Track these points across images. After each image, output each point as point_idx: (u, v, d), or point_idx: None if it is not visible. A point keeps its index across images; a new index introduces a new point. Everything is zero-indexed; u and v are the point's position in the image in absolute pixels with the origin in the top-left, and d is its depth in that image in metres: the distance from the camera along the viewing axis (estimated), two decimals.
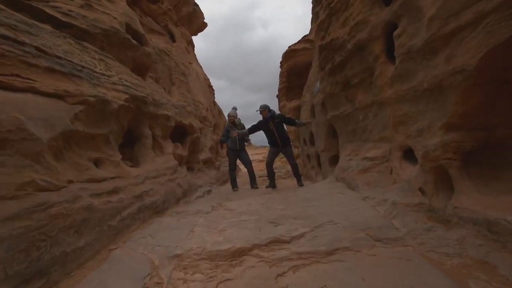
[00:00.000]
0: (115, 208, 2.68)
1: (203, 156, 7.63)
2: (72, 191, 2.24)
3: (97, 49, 3.71)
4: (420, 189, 2.51)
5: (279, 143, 5.88)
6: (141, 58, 5.10)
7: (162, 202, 3.77)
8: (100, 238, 2.41)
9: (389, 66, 2.98)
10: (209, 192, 6.30)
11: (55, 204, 2.01)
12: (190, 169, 7.04)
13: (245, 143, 6.57)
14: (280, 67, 10.18)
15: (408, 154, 2.99)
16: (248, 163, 6.28)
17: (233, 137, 6.25)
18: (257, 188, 6.22)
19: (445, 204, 2.21)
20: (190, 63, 8.37)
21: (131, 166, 3.90)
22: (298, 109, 8.48)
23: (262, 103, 6.25)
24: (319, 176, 6.51)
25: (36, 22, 2.90)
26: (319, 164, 6.64)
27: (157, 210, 3.58)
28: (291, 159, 6.10)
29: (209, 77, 11.79)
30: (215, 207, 4.20)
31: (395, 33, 2.68)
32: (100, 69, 3.40)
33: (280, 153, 6.48)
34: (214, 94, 12.01)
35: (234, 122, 6.43)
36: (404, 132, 2.86)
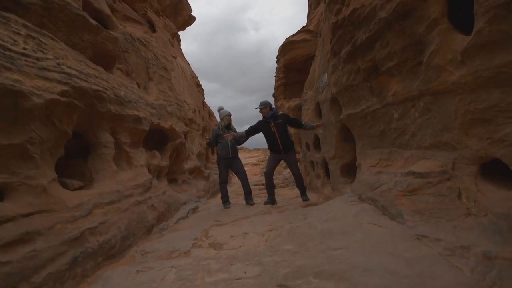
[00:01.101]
0: (17, 273, 1.58)
1: (189, 165, 6.53)
2: None
3: (27, 23, 2.60)
4: None
5: (280, 149, 4.83)
6: (104, 44, 4.00)
7: (122, 238, 2.66)
8: None
9: (456, 36, 1.95)
10: (195, 210, 5.19)
11: None
12: (173, 181, 5.94)
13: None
14: (276, 62, 9.14)
15: (490, 170, 1.96)
16: (242, 174, 5.20)
17: (225, 142, 5.17)
18: (253, 204, 5.14)
19: None
20: (174, 57, 7.28)
21: (79, 188, 2.79)
22: (298, 108, 7.45)
23: (262, 100, 5.20)
24: (327, 188, 5.46)
25: None
26: (327, 173, 5.60)
27: (112, 252, 2.48)
28: (294, 168, 5.05)
29: (201, 79, 10.71)
30: (198, 239, 3.11)
31: None
32: (24, 48, 2.29)
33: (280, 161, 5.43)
34: (203, 94, 10.93)
35: (230, 123, 5.36)
36: (486, 135, 1.82)
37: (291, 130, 5.74)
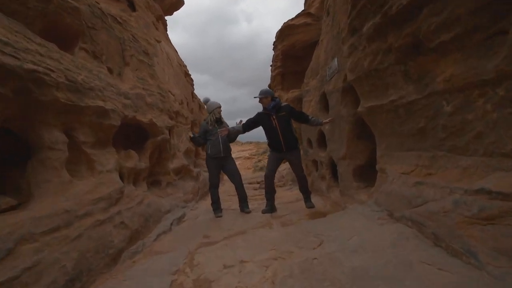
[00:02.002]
0: None
1: (175, 164, 5.71)
2: None
3: None
4: None
5: (282, 146, 4.07)
6: (60, 16, 3.13)
7: (68, 283, 1.86)
8: None
9: None
10: (180, 219, 4.40)
11: None
12: (155, 184, 5.12)
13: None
14: (273, 49, 8.27)
15: None
16: (236, 176, 4.43)
17: (215, 138, 4.38)
18: (249, 212, 4.38)
19: None
20: (158, 41, 6.38)
21: (9, 209, 1.97)
22: (298, 100, 6.68)
23: (263, 88, 4.42)
24: (334, 192, 4.73)
25: None
26: (334, 175, 4.87)
27: None
28: (298, 169, 4.30)
29: (192, 71, 9.80)
30: (180, 272, 2.34)
31: None
32: None
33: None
34: (193, 84, 10.04)
35: (220, 117, 4.56)
36: None
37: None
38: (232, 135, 4.28)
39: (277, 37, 7.68)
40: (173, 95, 6.12)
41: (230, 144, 4.60)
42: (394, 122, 2.74)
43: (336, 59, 4.12)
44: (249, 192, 7.42)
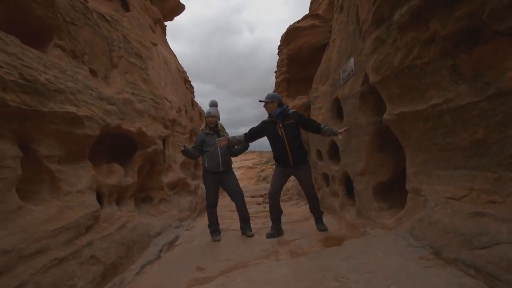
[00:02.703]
0: None
1: (170, 178, 5.15)
2: None
3: None
4: None
5: (290, 160, 3.51)
6: (27, 7, 2.64)
7: None
8: None
9: None
10: (172, 243, 3.82)
11: None
12: (147, 200, 4.56)
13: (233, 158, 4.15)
14: (278, 53, 7.77)
15: None
16: (237, 195, 3.86)
17: (213, 150, 3.84)
18: (252, 236, 3.79)
19: None
20: (154, 44, 5.91)
21: None
22: (306, 108, 6.14)
23: (270, 92, 3.90)
24: (349, 211, 4.13)
25: None
26: (349, 192, 4.28)
27: None
28: (308, 186, 3.73)
29: (195, 81, 9.34)
30: None
31: None
32: None
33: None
34: (193, 92, 9.56)
35: (216, 125, 4.03)
36: None
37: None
38: (232, 147, 3.73)
39: (283, 41, 7.18)
40: (169, 102, 5.60)
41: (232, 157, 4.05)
42: (436, 132, 2.17)
43: (352, 60, 3.58)
44: (252, 207, 6.83)
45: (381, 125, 3.28)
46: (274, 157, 3.83)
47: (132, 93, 4.02)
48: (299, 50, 6.67)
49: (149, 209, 4.43)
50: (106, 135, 3.47)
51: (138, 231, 3.31)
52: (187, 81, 8.64)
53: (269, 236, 3.65)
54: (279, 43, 7.24)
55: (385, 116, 2.71)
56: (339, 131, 3.66)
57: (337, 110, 4.41)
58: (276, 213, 3.75)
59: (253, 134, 3.72)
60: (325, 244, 3.28)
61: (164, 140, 5.13)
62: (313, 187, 3.82)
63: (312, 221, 4.17)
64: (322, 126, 3.69)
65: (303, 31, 6.48)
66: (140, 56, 4.85)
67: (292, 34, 6.67)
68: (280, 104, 3.70)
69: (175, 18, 10.81)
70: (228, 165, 3.88)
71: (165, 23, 9.84)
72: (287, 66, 7.08)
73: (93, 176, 2.79)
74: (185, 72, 8.82)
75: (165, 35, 8.56)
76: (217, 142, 3.51)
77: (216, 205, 3.93)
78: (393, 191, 3.45)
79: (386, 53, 2.47)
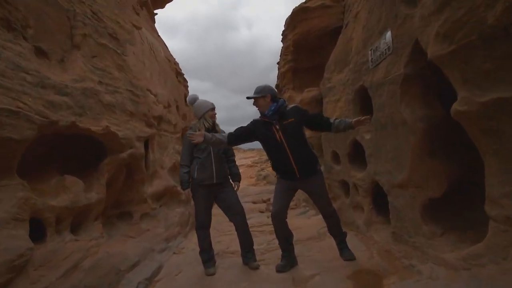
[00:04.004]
0: None
1: (155, 186, 4.26)
2: None
3: None
4: None
5: (295, 172, 2.61)
6: None
7: None
8: None
9: None
10: (152, 278, 2.91)
11: None
12: (124, 217, 3.68)
13: (231, 169, 3.24)
14: (282, 40, 6.81)
15: None
16: (237, 214, 2.97)
17: (205, 156, 2.94)
18: (257, 268, 2.89)
19: None
20: (137, 27, 4.98)
21: None
22: (316, 102, 5.23)
23: (259, 85, 2.98)
24: (379, 232, 3.25)
25: None
26: (377, 206, 3.39)
27: None
28: (323, 202, 2.84)
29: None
30: None
31: None
32: None
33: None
34: (187, 86, 8.65)
35: (215, 124, 3.12)
36: None
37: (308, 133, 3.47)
38: (217, 144, 2.81)
39: (287, 24, 6.22)
40: (155, 95, 4.68)
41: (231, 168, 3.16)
42: None
43: (388, 33, 2.67)
44: (254, 216, 5.93)
45: (432, 121, 2.40)
46: (273, 167, 2.92)
47: (100, 82, 3.11)
48: (307, 35, 5.73)
49: (126, 229, 3.54)
50: (59, 138, 2.57)
51: (101, 269, 2.41)
52: (179, 74, 7.72)
53: (280, 269, 2.76)
54: (285, 21, 6.25)
55: (457, 107, 1.80)
56: (355, 120, 2.68)
57: (362, 103, 3.51)
58: (285, 239, 2.85)
59: (240, 136, 2.81)
60: (358, 285, 2.39)
61: (149, 141, 4.23)
62: (330, 203, 2.93)
63: (329, 239, 3.32)
64: (331, 120, 2.77)
65: (312, 12, 5.54)
66: (115, 38, 3.93)
67: (298, 16, 5.72)
68: (275, 99, 2.80)
69: (167, 6, 9.87)
70: (223, 176, 2.98)
71: (157, 11, 8.92)
72: (292, 54, 6.14)
73: (24, 199, 1.89)
74: (177, 64, 7.89)
75: (154, 22, 7.62)
76: (189, 136, 2.59)
77: (209, 227, 3.03)
78: (449, 210, 2.56)
79: (469, 8, 1.56)
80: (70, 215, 2.39)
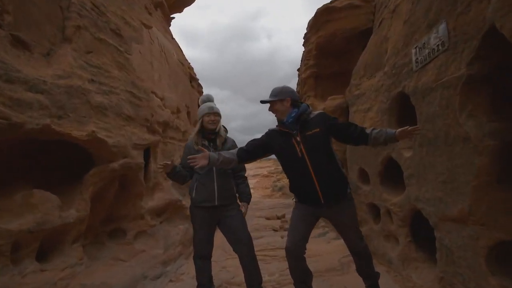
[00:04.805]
0: None
1: (156, 201, 3.80)
2: None
3: None
4: None
5: (318, 196, 2.03)
6: None
7: None
8: None
9: None
10: None
11: None
12: (118, 234, 3.22)
13: (238, 187, 2.70)
14: (303, 43, 6.28)
15: None
16: (243, 244, 2.40)
17: (205, 173, 2.44)
18: None
19: None
20: (147, 26, 4.63)
21: None
22: (340, 111, 4.65)
23: (276, 86, 2.44)
24: (419, 271, 2.62)
25: None
26: (416, 239, 2.76)
27: None
28: (352, 237, 2.21)
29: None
30: None
31: None
32: None
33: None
34: (202, 92, 8.27)
35: (216, 131, 2.61)
36: None
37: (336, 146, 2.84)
38: (218, 167, 2.29)
39: (310, 26, 5.70)
40: (161, 99, 4.27)
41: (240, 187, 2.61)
42: None
43: (443, 25, 2.09)
44: (265, 235, 5.35)
45: (506, 137, 1.79)
46: (291, 189, 2.35)
47: (92, 80, 2.69)
48: (332, 38, 5.20)
49: (118, 249, 3.07)
50: (34, 144, 2.14)
51: None
52: (193, 79, 7.35)
53: None
54: (308, 23, 5.72)
55: None
56: (400, 130, 2.08)
57: (400, 113, 2.93)
58: (301, 281, 2.26)
59: (252, 153, 2.27)
60: None
61: (149, 150, 3.78)
62: (361, 237, 2.32)
63: (352, 271, 2.80)
64: (368, 130, 2.18)
65: (338, 13, 5.01)
66: (118, 35, 3.56)
67: (323, 17, 5.20)
68: (296, 104, 2.26)
69: (188, 15, 9.65)
70: (228, 196, 2.45)
71: (178, 19, 8.69)
72: (315, 58, 5.60)
73: None
74: (192, 69, 7.54)
75: (169, 24, 7.34)
76: (189, 161, 2.05)
77: (210, 257, 2.49)
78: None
79: None
80: (35, 239, 1.94)
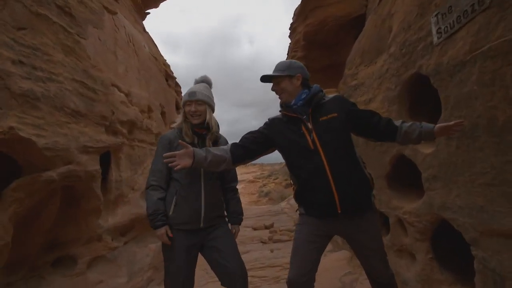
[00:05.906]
0: None
1: (120, 217, 3.14)
2: None
3: None
4: None
5: (335, 202, 1.42)
6: None
7: None
8: None
9: None
10: None
11: None
12: (66, 263, 2.52)
13: (228, 204, 2.05)
14: (289, 35, 5.74)
15: None
16: (235, 280, 1.73)
17: (188, 181, 1.78)
18: None
19: None
20: (110, 11, 3.99)
21: None
22: None
23: (282, 60, 1.82)
24: None
25: None
26: (439, 256, 2.23)
27: None
28: (377, 261, 1.58)
29: None
30: None
31: None
32: None
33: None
34: (180, 92, 7.63)
35: (205, 123, 1.94)
36: None
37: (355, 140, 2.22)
38: (205, 168, 1.69)
39: (297, 15, 5.16)
40: (126, 94, 3.62)
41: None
42: None
43: None
44: (253, 250, 4.73)
45: None
46: (296, 195, 1.76)
47: (20, 62, 2.03)
48: (321, 27, 4.69)
49: (64, 283, 2.43)
50: None
51: None
52: (170, 77, 6.70)
53: None
54: (295, 11, 5.14)
55: None
56: (440, 126, 1.56)
57: (411, 99, 2.42)
58: None
59: (249, 149, 1.68)
60: None
61: (113, 153, 3.12)
62: (387, 264, 1.74)
63: None
64: (398, 123, 1.65)
65: None
66: (68, 14, 2.91)
67: (312, 3, 4.67)
68: (306, 84, 1.71)
69: (165, 13, 9.03)
70: (217, 216, 1.82)
71: (150, 10, 8.06)
72: (303, 49, 5.06)
73: None
74: (169, 66, 6.89)
75: (142, 17, 6.68)
76: (166, 160, 1.46)
77: None
78: None
79: None
80: None
